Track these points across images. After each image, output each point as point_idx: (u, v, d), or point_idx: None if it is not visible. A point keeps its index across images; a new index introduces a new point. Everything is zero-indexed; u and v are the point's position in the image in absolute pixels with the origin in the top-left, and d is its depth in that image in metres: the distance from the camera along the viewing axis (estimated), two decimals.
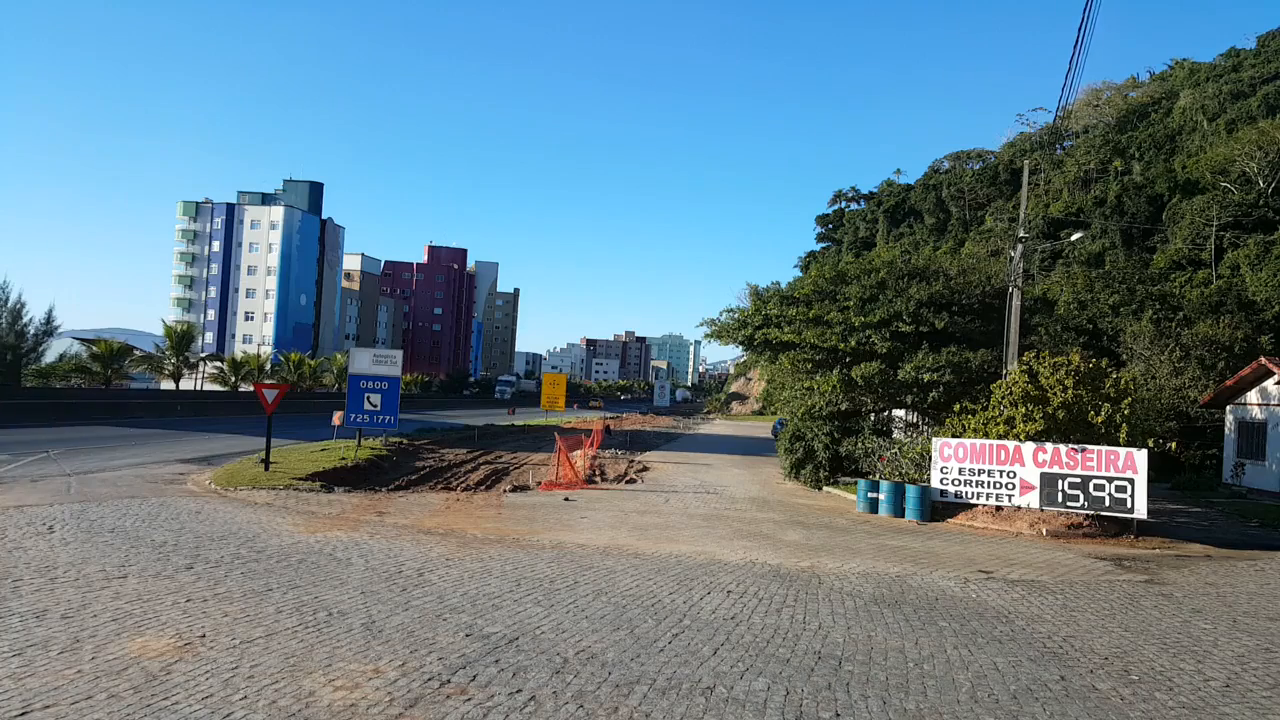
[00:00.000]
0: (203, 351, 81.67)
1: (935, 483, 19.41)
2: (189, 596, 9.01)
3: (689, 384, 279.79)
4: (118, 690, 6.28)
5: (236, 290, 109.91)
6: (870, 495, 19.83)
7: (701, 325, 56.92)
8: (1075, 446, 17.83)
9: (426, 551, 12.30)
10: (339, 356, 79.95)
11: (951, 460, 19.22)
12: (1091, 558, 15.05)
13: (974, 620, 9.88)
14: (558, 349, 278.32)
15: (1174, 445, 20.88)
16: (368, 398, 24.77)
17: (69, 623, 7.87)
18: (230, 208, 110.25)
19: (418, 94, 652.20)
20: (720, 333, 27.31)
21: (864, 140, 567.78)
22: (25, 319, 49.44)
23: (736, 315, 27.09)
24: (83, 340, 54.95)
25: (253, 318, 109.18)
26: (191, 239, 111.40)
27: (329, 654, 7.37)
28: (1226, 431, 29.67)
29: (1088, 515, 17.78)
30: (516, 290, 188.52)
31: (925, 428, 24.93)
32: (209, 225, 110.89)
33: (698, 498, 21.11)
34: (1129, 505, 17.16)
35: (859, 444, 24.12)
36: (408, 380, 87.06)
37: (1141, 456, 17.16)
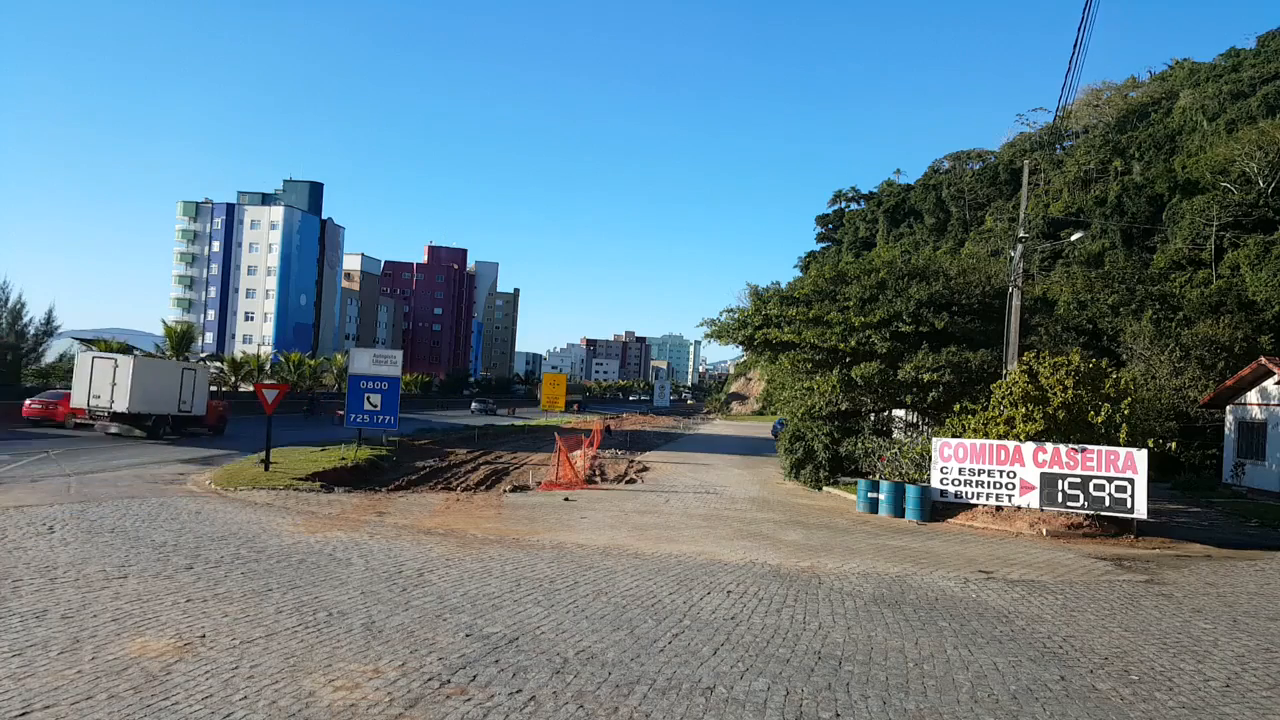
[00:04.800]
0: (203, 351, 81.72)
1: (935, 483, 19.41)
2: (189, 597, 9.01)
3: (689, 384, 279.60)
4: (118, 690, 6.28)
5: (236, 290, 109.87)
6: (870, 495, 19.84)
7: (701, 325, 56.90)
8: (1075, 447, 17.83)
9: (426, 552, 12.30)
10: (339, 356, 79.98)
11: (951, 460, 19.22)
12: (1091, 558, 15.05)
13: (974, 620, 9.88)
14: (558, 349, 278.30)
15: (1174, 445, 20.87)
16: (368, 398, 24.78)
17: (69, 623, 7.87)
18: (230, 208, 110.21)
19: (418, 94, 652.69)
20: (720, 333, 27.31)
21: (864, 140, 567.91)
22: (25, 319, 49.50)
23: (736, 315, 27.08)
24: (83, 340, 54.90)
25: (253, 318, 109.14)
26: (191, 239, 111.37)
27: (329, 654, 7.37)
28: (1226, 431, 29.67)
29: (1088, 515, 17.78)
30: (516, 290, 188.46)
31: (925, 428, 24.92)
32: (209, 225, 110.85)
33: (698, 498, 21.11)
34: (1129, 505, 17.16)
35: (859, 444, 24.12)
36: (407, 380, 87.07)
37: (1141, 456, 17.16)
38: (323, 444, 28.20)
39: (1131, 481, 17.17)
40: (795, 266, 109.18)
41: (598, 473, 25.95)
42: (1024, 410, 18.48)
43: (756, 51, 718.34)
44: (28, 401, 33.44)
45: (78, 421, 30.24)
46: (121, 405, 28.72)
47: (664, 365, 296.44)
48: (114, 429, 29.14)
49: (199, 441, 30.49)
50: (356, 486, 20.50)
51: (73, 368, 51.01)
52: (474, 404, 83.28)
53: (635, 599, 10.01)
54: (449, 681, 6.83)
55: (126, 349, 53.84)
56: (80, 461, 21.73)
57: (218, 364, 70.10)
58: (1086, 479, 17.59)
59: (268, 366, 71.79)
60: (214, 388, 34.23)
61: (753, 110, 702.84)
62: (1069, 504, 17.78)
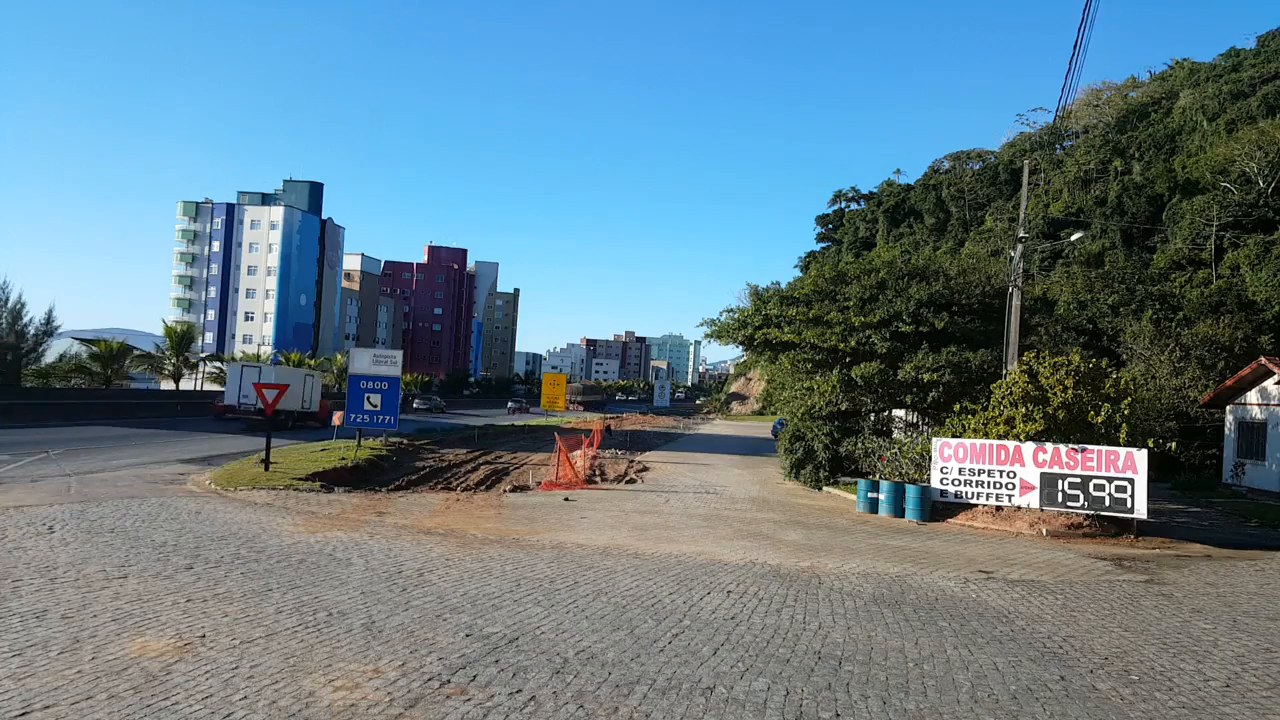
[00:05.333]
0: (203, 352, 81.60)
1: (935, 483, 19.40)
2: (189, 597, 9.01)
3: (689, 384, 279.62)
4: (118, 690, 6.28)
5: (236, 290, 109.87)
6: (870, 495, 19.83)
7: (701, 325, 57.01)
8: (1075, 446, 17.82)
9: (426, 551, 12.30)
10: (339, 356, 79.99)
11: (951, 460, 19.21)
12: (1091, 558, 15.05)
13: (974, 620, 9.88)
14: (558, 349, 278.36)
15: (1174, 445, 20.86)
16: (368, 398, 24.76)
17: (69, 623, 7.87)
18: (230, 208, 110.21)
19: (418, 94, 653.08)
20: (720, 333, 27.30)
21: (864, 140, 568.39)
22: (25, 319, 49.48)
23: (736, 315, 27.08)
24: (83, 340, 54.95)
25: (253, 318, 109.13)
26: (191, 239, 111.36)
27: (329, 654, 7.37)
28: (1226, 431, 29.67)
29: (1088, 515, 17.78)
30: (516, 290, 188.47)
31: (925, 428, 24.92)
32: (209, 225, 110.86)
33: (698, 498, 21.11)
34: (1129, 505, 17.16)
35: (859, 444, 24.11)
36: (408, 381, 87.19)
37: (1141, 456, 17.16)
38: (323, 444, 28.21)
39: (1131, 481, 17.16)
40: (795, 266, 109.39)
41: (598, 473, 25.94)
42: (1024, 410, 18.48)
43: (756, 52, 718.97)
44: (215, 401, 42.68)
45: (229, 416, 38.84)
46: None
47: (664, 365, 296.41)
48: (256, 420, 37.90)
49: (311, 433, 35.25)
50: (356, 486, 20.50)
51: (72, 368, 51.53)
52: (510, 403, 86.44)
53: (635, 599, 10.01)
54: (449, 681, 6.83)
55: (126, 349, 53.94)
56: (80, 461, 21.73)
57: (218, 364, 70.09)
58: (1086, 479, 17.59)
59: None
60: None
61: (753, 110, 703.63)
62: (1069, 504, 17.78)
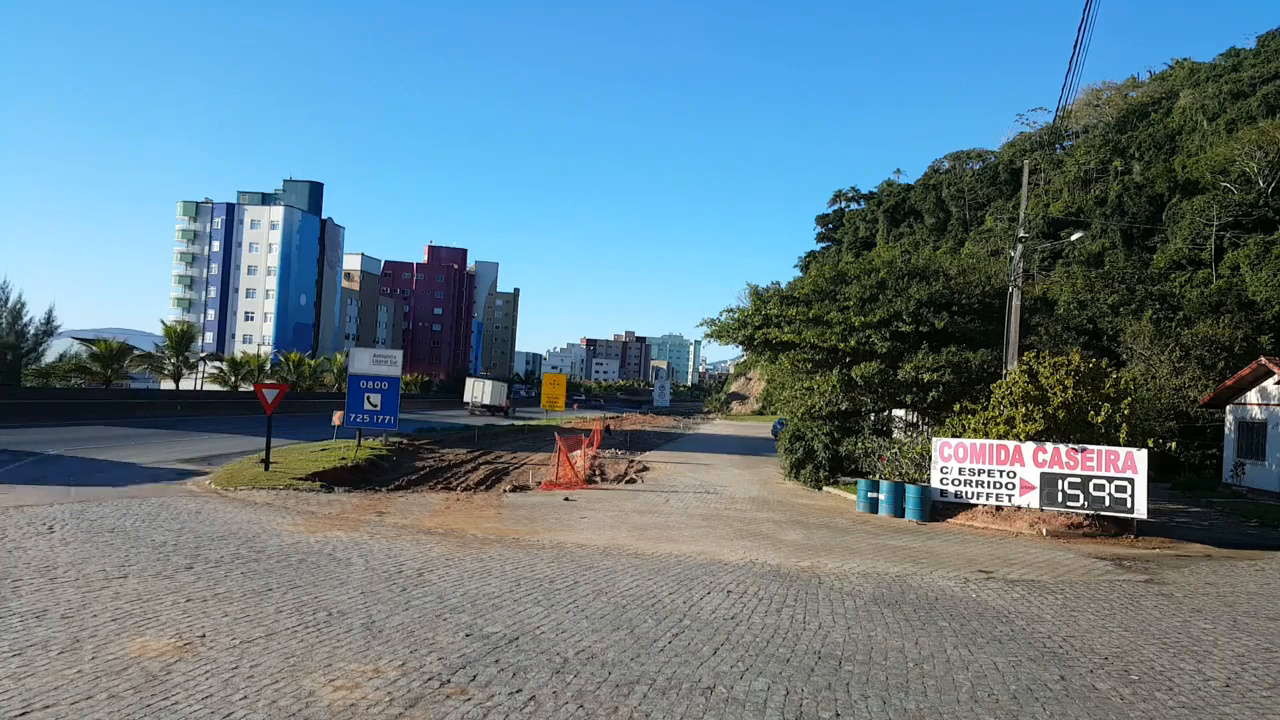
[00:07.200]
0: (203, 351, 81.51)
1: (935, 483, 19.40)
2: (189, 596, 9.01)
3: (689, 384, 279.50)
4: (118, 690, 6.28)
5: (236, 290, 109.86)
6: (870, 495, 19.83)
7: (701, 325, 57.06)
8: (1075, 446, 17.82)
9: (426, 551, 12.30)
10: (339, 356, 79.84)
11: (951, 460, 19.21)
12: (1091, 558, 15.05)
13: (974, 620, 9.88)
14: (558, 349, 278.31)
15: (1174, 445, 20.86)
16: (368, 398, 24.75)
17: (69, 623, 7.87)
18: (230, 208, 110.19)
19: (418, 94, 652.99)
20: (720, 333, 27.30)
21: (864, 140, 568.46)
22: (25, 319, 49.39)
23: (736, 315, 27.07)
24: (83, 340, 54.90)
25: (253, 318, 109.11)
26: (191, 239, 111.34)
27: (329, 654, 7.37)
28: (1226, 431, 29.67)
29: (1088, 515, 17.78)
30: (516, 290, 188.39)
31: (925, 428, 24.91)
32: (209, 225, 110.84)
33: (698, 498, 21.11)
34: (1129, 505, 17.16)
35: (859, 444, 24.11)
36: (408, 380, 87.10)
37: (1141, 456, 17.16)
38: (323, 444, 28.20)
39: (1131, 481, 17.16)
40: (795, 266, 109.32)
41: (598, 473, 25.94)
42: (1024, 410, 18.48)
43: (757, 51, 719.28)
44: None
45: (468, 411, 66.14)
46: (485, 401, 70.83)
47: (664, 365, 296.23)
48: (478, 411, 67.21)
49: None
50: (356, 486, 20.50)
51: (72, 368, 52.16)
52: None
53: (635, 599, 10.01)
54: (449, 681, 6.83)
55: (126, 349, 53.95)
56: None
57: (218, 364, 70.09)
58: (1086, 479, 17.59)
59: (268, 366, 71.71)
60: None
61: (753, 110, 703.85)
62: (1069, 504, 17.78)
